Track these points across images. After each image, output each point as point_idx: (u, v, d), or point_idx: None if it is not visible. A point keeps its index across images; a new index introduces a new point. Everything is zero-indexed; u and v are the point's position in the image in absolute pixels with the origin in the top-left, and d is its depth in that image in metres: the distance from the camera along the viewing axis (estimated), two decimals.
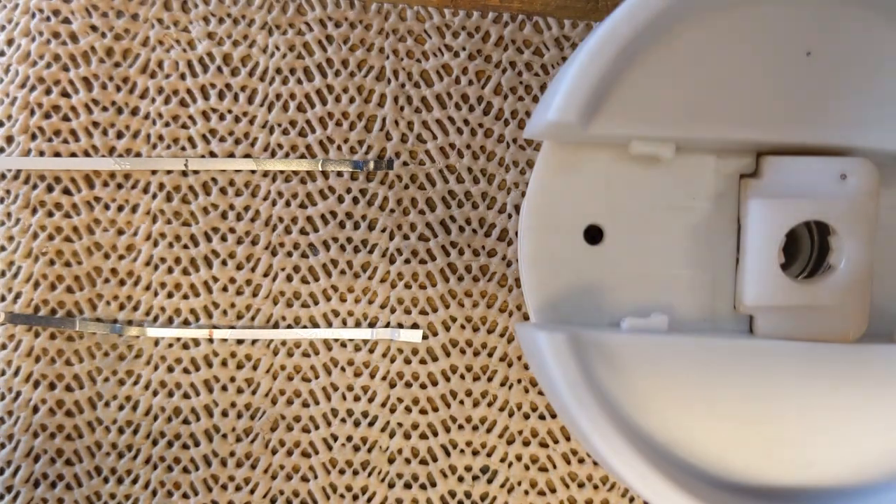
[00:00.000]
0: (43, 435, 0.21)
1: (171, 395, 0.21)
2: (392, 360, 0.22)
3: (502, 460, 0.22)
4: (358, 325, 0.22)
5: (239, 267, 0.22)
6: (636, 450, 0.13)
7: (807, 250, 0.17)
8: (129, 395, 0.21)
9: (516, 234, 0.22)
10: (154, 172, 0.21)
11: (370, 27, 0.21)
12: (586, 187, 0.16)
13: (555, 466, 0.22)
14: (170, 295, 0.21)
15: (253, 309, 0.22)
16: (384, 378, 0.22)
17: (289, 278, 0.22)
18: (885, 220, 0.15)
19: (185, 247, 0.22)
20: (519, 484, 0.22)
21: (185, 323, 0.21)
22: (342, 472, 0.22)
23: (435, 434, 0.22)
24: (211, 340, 0.21)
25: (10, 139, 0.21)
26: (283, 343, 0.22)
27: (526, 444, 0.22)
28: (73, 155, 0.21)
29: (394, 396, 0.22)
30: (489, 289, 0.22)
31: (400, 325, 0.22)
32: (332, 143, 0.22)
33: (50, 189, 0.21)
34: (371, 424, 0.22)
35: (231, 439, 0.22)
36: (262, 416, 0.22)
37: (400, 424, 0.22)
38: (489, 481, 0.22)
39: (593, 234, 0.16)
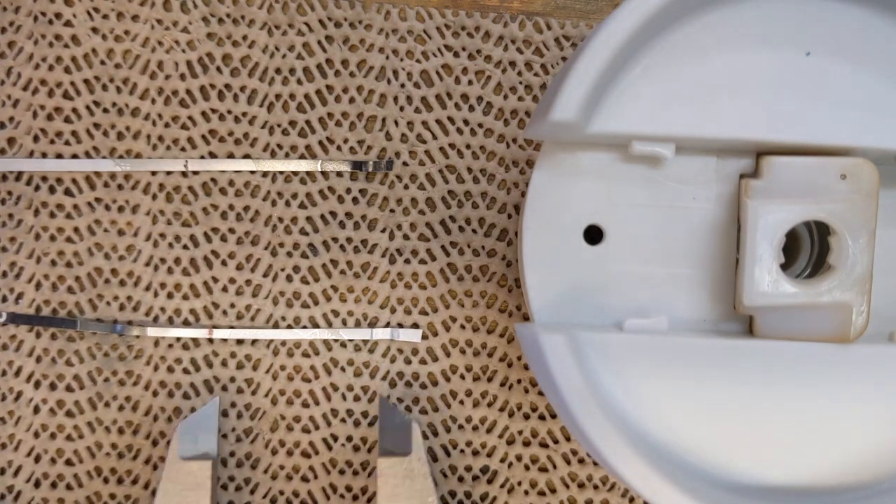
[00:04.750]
0: (44, 435, 0.21)
1: (171, 395, 0.22)
2: (392, 360, 0.22)
3: (502, 460, 0.22)
4: (358, 325, 0.22)
5: (239, 267, 0.22)
6: (636, 450, 0.13)
7: (807, 250, 0.17)
8: (129, 395, 0.21)
9: (516, 234, 0.22)
10: (154, 173, 0.21)
11: (370, 27, 0.21)
12: (586, 187, 0.16)
13: (555, 467, 0.22)
14: (170, 295, 0.22)
15: (253, 309, 0.22)
16: (384, 378, 0.22)
17: (289, 278, 0.22)
18: (885, 220, 0.15)
19: (186, 247, 0.22)
20: (519, 484, 0.22)
21: (186, 323, 0.22)
22: (342, 472, 0.22)
23: (435, 434, 0.22)
24: (211, 341, 0.22)
25: (12, 141, 0.21)
26: (283, 343, 0.22)
27: (526, 444, 0.22)
28: (75, 156, 0.21)
29: (394, 397, 0.22)
30: (489, 289, 0.22)
31: (400, 325, 0.22)
32: (332, 143, 0.22)
33: (52, 190, 0.21)
34: (371, 424, 0.22)
35: (231, 439, 0.22)
36: (262, 417, 0.22)
37: None
38: (489, 481, 0.22)
39: (593, 234, 0.16)
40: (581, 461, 0.22)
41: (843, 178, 0.14)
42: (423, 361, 0.22)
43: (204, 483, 0.19)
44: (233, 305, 0.22)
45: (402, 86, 0.22)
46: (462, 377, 0.22)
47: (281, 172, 0.22)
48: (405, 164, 0.22)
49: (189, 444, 0.19)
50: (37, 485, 0.21)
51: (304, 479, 0.22)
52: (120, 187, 0.21)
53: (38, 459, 0.21)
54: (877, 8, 0.14)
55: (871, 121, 0.14)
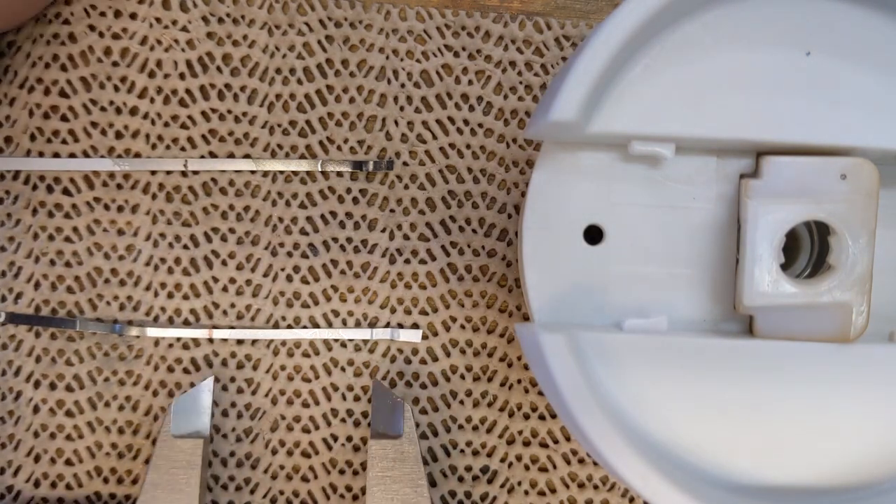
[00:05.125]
0: (43, 435, 0.21)
1: (171, 395, 0.22)
2: (392, 361, 0.22)
3: (502, 460, 0.22)
4: (358, 325, 0.22)
5: (239, 267, 0.22)
6: (636, 450, 0.13)
7: (807, 250, 0.17)
8: (129, 395, 0.21)
9: (516, 234, 0.22)
10: (154, 173, 0.21)
11: (370, 27, 0.21)
12: (586, 187, 0.16)
13: (555, 467, 0.22)
14: (170, 295, 0.21)
15: (253, 309, 0.22)
16: (384, 378, 0.22)
17: (289, 278, 0.22)
18: (885, 220, 0.15)
19: (186, 247, 0.22)
20: (519, 484, 0.22)
21: (186, 323, 0.21)
22: (342, 472, 0.22)
23: (435, 434, 0.22)
24: (211, 341, 0.21)
25: (9, 139, 0.21)
26: (284, 343, 0.22)
27: (526, 444, 0.22)
28: (73, 155, 0.21)
29: None
30: (489, 289, 0.22)
31: (400, 326, 0.22)
32: (332, 143, 0.22)
33: (50, 189, 0.21)
34: (371, 424, 0.22)
35: (231, 439, 0.22)
36: (262, 416, 0.22)
37: None
38: (489, 481, 0.22)
39: (593, 234, 0.16)
40: (581, 461, 0.22)
41: (843, 178, 0.14)
42: (423, 361, 0.22)
43: (195, 462, 0.19)
44: (233, 305, 0.22)
45: (402, 86, 0.21)
46: (462, 377, 0.22)
47: (281, 172, 0.21)
48: (405, 164, 0.22)
49: (182, 423, 0.19)
50: (36, 484, 0.21)
51: (304, 479, 0.22)
52: (119, 187, 0.21)
53: (37, 459, 0.21)
54: (877, 8, 0.14)
55: (871, 121, 0.14)
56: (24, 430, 0.21)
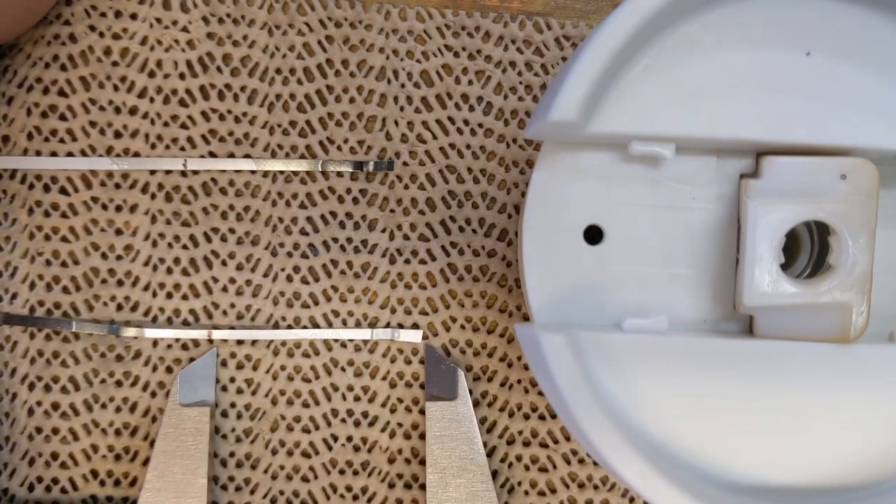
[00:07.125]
0: (38, 437, 0.21)
1: (169, 396, 0.21)
2: (392, 361, 0.22)
3: (502, 461, 0.22)
4: (358, 325, 0.22)
5: (239, 267, 0.21)
6: (636, 450, 0.13)
7: (807, 250, 0.17)
8: (126, 396, 0.21)
9: (516, 234, 0.22)
10: (153, 172, 0.21)
11: (370, 27, 0.21)
12: (586, 187, 0.16)
13: (555, 467, 0.22)
14: (169, 295, 0.21)
15: (253, 309, 0.21)
16: (384, 378, 0.22)
17: (289, 279, 0.22)
18: (885, 220, 0.15)
19: (185, 247, 0.21)
20: (519, 484, 0.22)
21: (185, 324, 0.21)
22: (342, 472, 0.22)
23: None
24: (211, 341, 0.21)
25: (6, 139, 0.21)
26: (283, 343, 0.21)
27: (526, 444, 0.22)
28: (71, 154, 0.21)
29: (394, 396, 0.22)
30: (489, 289, 0.22)
31: (400, 326, 0.22)
32: (332, 143, 0.22)
33: (46, 189, 0.21)
34: (371, 424, 0.22)
35: (231, 440, 0.21)
36: (262, 417, 0.22)
37: (400, 424, 0.22)
38: None
39: (593, 234, 0.16)
40: (581, 461, 0.22)
41: (843, 178, 0.14)
42: (423, 362, 0.22)
43: (203, 428, 0.20)
44: (233, 305, 0.21)
45: (402, 86, 0.21)
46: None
47: (281, 172, 0.21)
48: (405, 164, 0.22)
49: (188, 392, 0.20)
50: (31, 488, 0.21)
51: (304, 479, 0.22)
52: (118, 186, 0.21)
53: (32, 462, 0.21)
54: (877, 8, 0.15)
55: (871, 121, 0.14)
56: (19, 433, 0.21)
